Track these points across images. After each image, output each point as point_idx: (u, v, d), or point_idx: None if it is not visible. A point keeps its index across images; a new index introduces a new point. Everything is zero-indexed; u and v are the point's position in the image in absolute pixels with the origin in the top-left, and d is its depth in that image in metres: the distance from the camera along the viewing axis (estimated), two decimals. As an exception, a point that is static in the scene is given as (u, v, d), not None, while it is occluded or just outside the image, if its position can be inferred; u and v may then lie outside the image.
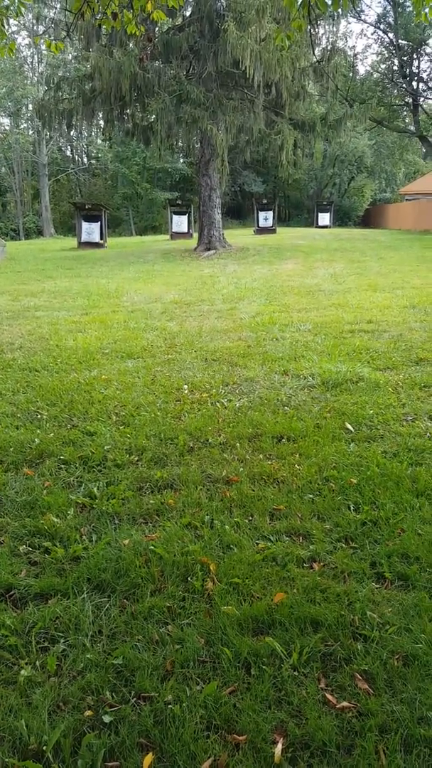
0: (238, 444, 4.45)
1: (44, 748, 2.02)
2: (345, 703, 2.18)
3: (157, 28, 18.72)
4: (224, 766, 1.96)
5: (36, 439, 4.56)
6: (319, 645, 2.45)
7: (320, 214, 36.12)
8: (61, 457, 4.28)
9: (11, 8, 6.03)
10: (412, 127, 32.59)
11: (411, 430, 4.65)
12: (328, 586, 2.81)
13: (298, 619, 2.59)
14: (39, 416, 5.09)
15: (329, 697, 2.21)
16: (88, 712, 2.17)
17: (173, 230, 28.36)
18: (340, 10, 5.69)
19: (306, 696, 2.21)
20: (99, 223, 25.20)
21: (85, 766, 1.96)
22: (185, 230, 28.17)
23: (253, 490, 3.76)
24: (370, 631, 2.51)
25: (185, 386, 5.83)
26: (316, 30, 19.31)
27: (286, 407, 5.21)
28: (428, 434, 4.57)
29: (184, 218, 28.42)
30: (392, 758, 1.96)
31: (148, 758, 1.98)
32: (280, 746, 2.01)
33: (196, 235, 24.26)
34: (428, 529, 3.27)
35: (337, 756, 1.98)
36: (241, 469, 4.05)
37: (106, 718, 2.14)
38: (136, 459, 4.25)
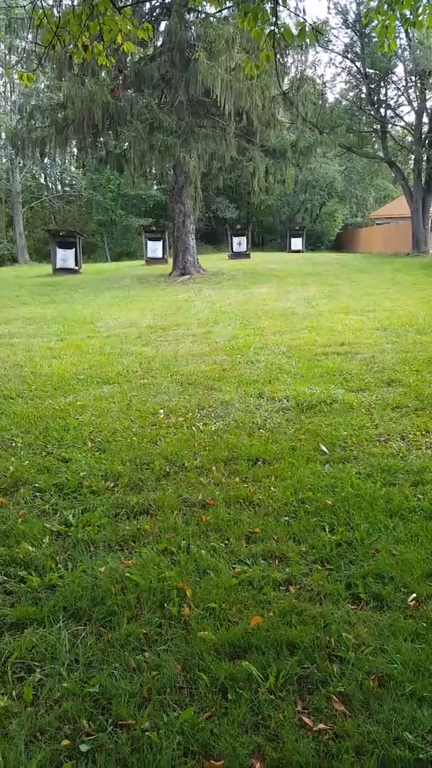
0: (214, 467, 4.47)
1: (20, 780, 2.00)
2: (322, 726, 2.18)
3: (128, 58, 19.02)
4: (202, 792, 1.95)
5: (10, 467, 4.53)
6: (295, 668, 2.46)
7: (293, 239, 36.63)
8: (36, 485, 4.26)
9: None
10: (381, 153, 33.24)
11: (384, 450, 4.71)
12: (304, 609, 2.82)
13: (275, 642, 2.60)
14: (13, 444, 5.06)
15: (306, 719, 2.22)
16: (65, 742, 2.16)
17: (148, 256, 28.49)
18: (307, 40, 5.87)
19: (283, 719, 2.22)
20: (74, 249, 25.27)
21: (62, 798, 1.95)
22: (160, 256, 28.32)
23: (230, 514, 3.77)
24: (345, 653, 2.53)
25: (161, 411, 5.85)
26: (285, 59, 19.77)
27: (261, 430, 5.25)
28: (401, 454, 4.63)
29: (159, 244, 28.58)
30: (369, 779, 1.97)
31: (126, 788, 1.97)
32: (257, 771, 2.01)
33: (171, 260, 24.43)
34: (402, 549, 3.31)
35: (314, 779, 1.99)
36: (218, 492, 4.06)
37: (83, 747, 2.12)
38: (112, 485, 4.25)
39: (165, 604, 2.90)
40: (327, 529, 3.57)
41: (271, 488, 4.11)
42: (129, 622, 2.79)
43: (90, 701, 2.34)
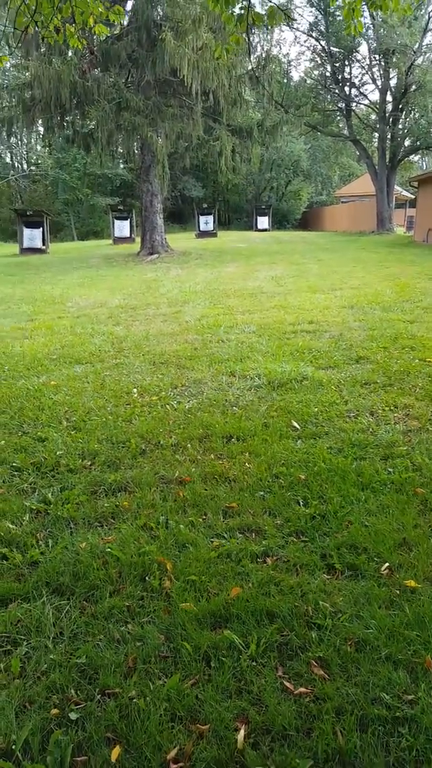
0: (189, 445, 4.53)
1: (13, 747, 2.06)
2: (302, 689, 2.28)
3: (95, 37, 18.66)
4: (189, 754, 2.03)
5: (-14, 448, 4.52)
6: (275, 635, 2.55)
7: (259, 218, 36.61)
8: (14, 464, 4.27)
9: None
10: (345, 132, 33.28)
11: (354, 425, 4.82)
12: (282, 579, 2.91)
13: (254, 611, 2.68)
14: (-13, 425, 5.04)
15: (287, 684, 2.31)
16: (54, 711, 2.21)
17: (116, 235, 28.28)
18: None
19: (265, 684, 2.31)
20: (41, 229, 24.92)
21: (54, 762, 2.00)
22: (128, 235, 28.14)
23: (206, 490, 3.84)
24: (323, 620, 2.62)
25: (135, 390, 5.87)
26: (251, 39, 19.60)
27: (234, 407, 5.32)
28: (370, 429, 4.75)
29: (126, 223, 28.39)
30: (349, 737, 2.07)
31: (116, 751, 2.03)
32: (242, 733, 2.09)
33: (138, 239, 24.24)
34: (374, 521, 3.42)
35: (296, 738, 2.08)
36: (194, 469, 4.13)
37: (73, 715, 2.18)
38: (89, 463, 4.28)
39: (146, 578, 2.96)
40: (301, 503, 3.66)
41: (246, 464, 4.19)
42: (111, 596, 2.85)
43: (77, 672, 2.40)
